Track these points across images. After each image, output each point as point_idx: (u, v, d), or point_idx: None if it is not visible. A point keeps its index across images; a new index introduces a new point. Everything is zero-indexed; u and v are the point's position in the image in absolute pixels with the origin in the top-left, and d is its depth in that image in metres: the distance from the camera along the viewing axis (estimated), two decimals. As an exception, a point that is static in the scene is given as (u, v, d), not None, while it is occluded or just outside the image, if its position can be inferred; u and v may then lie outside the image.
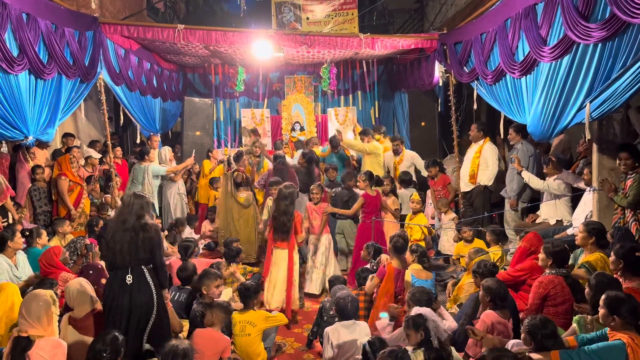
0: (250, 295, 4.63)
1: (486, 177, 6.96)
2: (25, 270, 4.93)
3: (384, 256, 5.29)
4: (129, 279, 3.66)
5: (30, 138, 5.57)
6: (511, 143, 6.81)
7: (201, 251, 7.56)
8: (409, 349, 3.45)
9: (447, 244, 6.79)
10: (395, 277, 4.79)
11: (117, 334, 3.27)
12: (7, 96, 4.99)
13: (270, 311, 5.13)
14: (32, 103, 5.49)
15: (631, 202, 4.56)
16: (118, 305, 3.66)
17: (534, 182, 6.04)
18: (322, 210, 6.39)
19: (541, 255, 4.23)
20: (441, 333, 3.53)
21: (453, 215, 6.96)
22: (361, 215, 6.52)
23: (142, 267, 3.77)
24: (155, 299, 3.75)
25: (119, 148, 8.77)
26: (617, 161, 4.76)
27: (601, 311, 3.23)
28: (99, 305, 3.96)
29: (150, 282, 3.75)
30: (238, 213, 7.21)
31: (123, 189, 8.01)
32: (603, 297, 3.23)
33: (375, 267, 5.36)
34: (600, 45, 4.32)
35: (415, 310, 3.59)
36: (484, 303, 3.97)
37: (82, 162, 7.46)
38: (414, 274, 4.94)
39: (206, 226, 8.27)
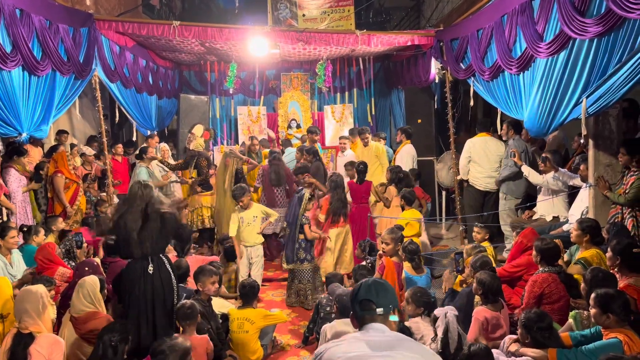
0: (250, 293, 4.61)
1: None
2: (20, 268, 4.90)
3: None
4: (150, 269, 3.67)
5: (24, 135, 5.53)
6: (504, 139, 6.85)
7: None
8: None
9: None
10: (397, 271, 4.78)
11: (124, 322, 3.29)
12: (0, 93, 4.95)
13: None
14: (25, 99, 5.44)
15: (630, 200, 4.55)
16: (140, 295, 3.68)
17: (534, 177, 6.05)
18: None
19: (533, 252, 4.23)
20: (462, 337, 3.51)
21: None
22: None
23: (161, 255, 3.82)
24: (175, 285, 3.81)
25: (120, 145, 8.71)
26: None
27: (593, 310, 3.21)
28: (102, 309, 3.92)
29: (170, 270, 3.81)
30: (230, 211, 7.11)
31: (125, 187, 7.95)
32: (593, 296, 3.21)
33: (370, 265, 5.35)
34: (596, 40, 4.31)
35: (443, 310, 3.57)
36: (477, 295, 3.97)
37: (79, 161, 7.41)
38: (408, 270, 4.94)
39: None
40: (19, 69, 5.22)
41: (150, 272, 3.69)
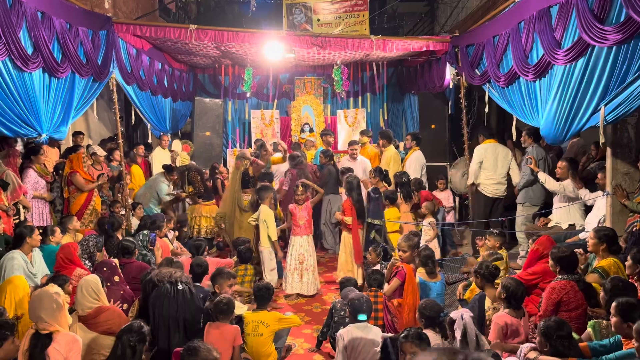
0: (266, 295, 4.62)
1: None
2: (41, 267, 4.94)
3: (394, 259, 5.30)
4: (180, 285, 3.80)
5: (44, 136, 5.59)
6: (523, 146, 6.83)
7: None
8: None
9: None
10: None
11: (142, 323, 3.32)
12: (21, 94, 5.00)
13: None
14: (45, 101, 5.51)
15: None
16: (166, 315, 3.80)
17: (550, 183, 6.03)
18: (309, 210, 6.48)
19: (550, 261, 4.20)
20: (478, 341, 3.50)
21: (431, 219, 6.96)
22: None
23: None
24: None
25: (142, 146, 8.78)
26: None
27: (614, 319, 3.19)
28: (105, 302, 3.97)
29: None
30: (240, 215, 7.11)
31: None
32: (614, 304, 3.19)
33: (383, 269, 5.35)
34: (615, 48, 4.29)
35: (458, 312, 3.56)
36: (500, 300, 3.95)
37: (90, 162, 7.45)
38: (422, 276, 4.92)
39: None
40: (40, 70, 5.28)
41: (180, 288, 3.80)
